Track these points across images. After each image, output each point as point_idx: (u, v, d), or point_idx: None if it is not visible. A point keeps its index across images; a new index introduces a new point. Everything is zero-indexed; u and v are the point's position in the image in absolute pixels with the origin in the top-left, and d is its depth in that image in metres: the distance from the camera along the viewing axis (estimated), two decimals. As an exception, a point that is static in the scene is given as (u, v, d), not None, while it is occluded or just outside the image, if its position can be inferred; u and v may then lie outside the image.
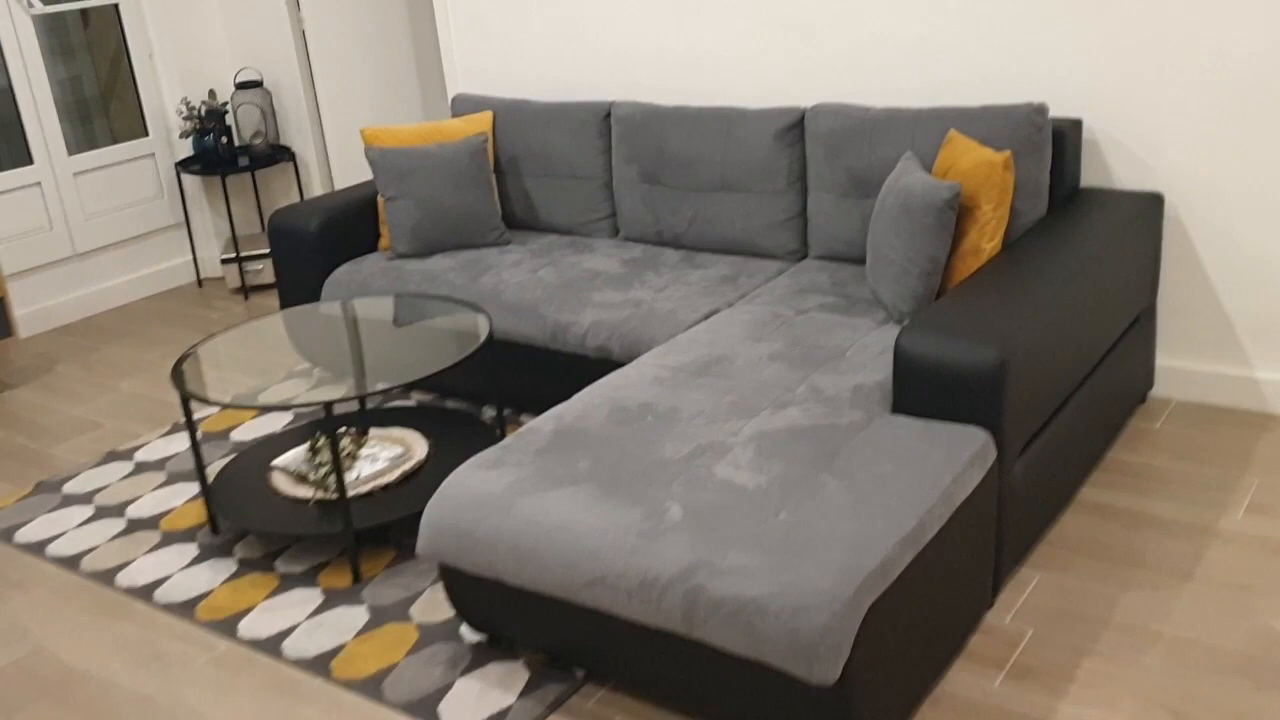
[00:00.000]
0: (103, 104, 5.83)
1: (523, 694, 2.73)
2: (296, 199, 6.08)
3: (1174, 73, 3.55)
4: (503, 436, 3.73)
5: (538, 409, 4.07)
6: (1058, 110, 3.77)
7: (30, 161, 5.48)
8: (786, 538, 2.31)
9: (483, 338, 3.50)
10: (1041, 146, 3.49)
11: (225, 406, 3.25)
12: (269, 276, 5.85)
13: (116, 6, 5.74)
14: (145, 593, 3.34)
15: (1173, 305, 3.80)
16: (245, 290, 5.82)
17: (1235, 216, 3.60)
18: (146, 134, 5.92)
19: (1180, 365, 3.85)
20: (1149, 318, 3.73)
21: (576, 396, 3.08)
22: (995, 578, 2.85)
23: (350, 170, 6.04)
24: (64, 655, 3.10)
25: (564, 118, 4.49)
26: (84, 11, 5.69)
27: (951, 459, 2.56)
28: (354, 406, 4.15)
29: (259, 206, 5.93)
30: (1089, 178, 3.80)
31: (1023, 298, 2.90)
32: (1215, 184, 3.60)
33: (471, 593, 2.76)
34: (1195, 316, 3.77)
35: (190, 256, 6.16)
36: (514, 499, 2.61)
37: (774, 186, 3.99)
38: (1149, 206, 3.59)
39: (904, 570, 2.33)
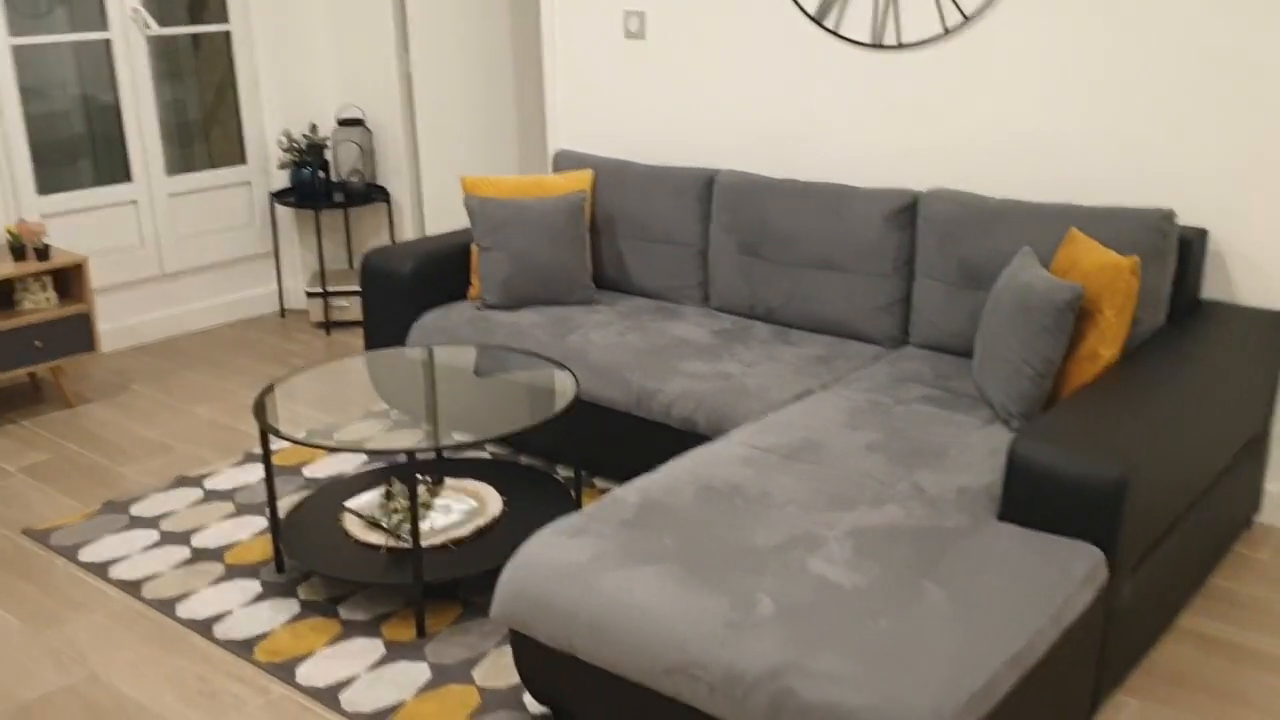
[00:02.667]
0: (204, 129, 5.87)
1: (585, 777, 2.61)
2: (387, 239, 6.07)
3: (1309, 189, 3.42)
4: (579, 500, 3.62)
5: (615, 474, 3.97)
6: (1184, 218, 3.64)
7: (129, 179, 5.52)
8: (885, 646, 2.18)
9: (569, 398, 3.41)
10: (1166, 254, 3.36)
11: (307, 445, 3.18)
12: (353, 313, 5.83)
13: (228, 34, 5.80)
14: (205, 626, 3.26)
15: (1288, 430, 3.64)
16: (328, 325, 5.80)
17: (1363, 344, 3.44)
18: (244, 162, 5.95)
19: (1291, 493, 3.67)
20: (1262, 440, 3.57)
21: (662, 469, 2.97)
22: (1093, 703, 2.69)
23: (443, 215, 6.03)
24: (119, 684, 3.02)
25: (665, 182, 4.43)
26: (196, 37, 5.75)
27: (1064, 577, 2.42)
28: (431, 455, 4.08)
29: (349, 243, 5.93)
30: (1210, 290, 3.65)
31: (1144, 412, 2.76)
32: (1344, 308, 3.45)
33: (541, 663, 2.65)
34: (1311, 444, 3.61)
35: (276, 287, 6.16)
36: (597, 572, 2.50)
37: (880, 269, 3.88)
38: (1272, 326, 3.44)
39: (1008, 692, 2.18)
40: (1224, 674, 2.98)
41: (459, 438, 3.22)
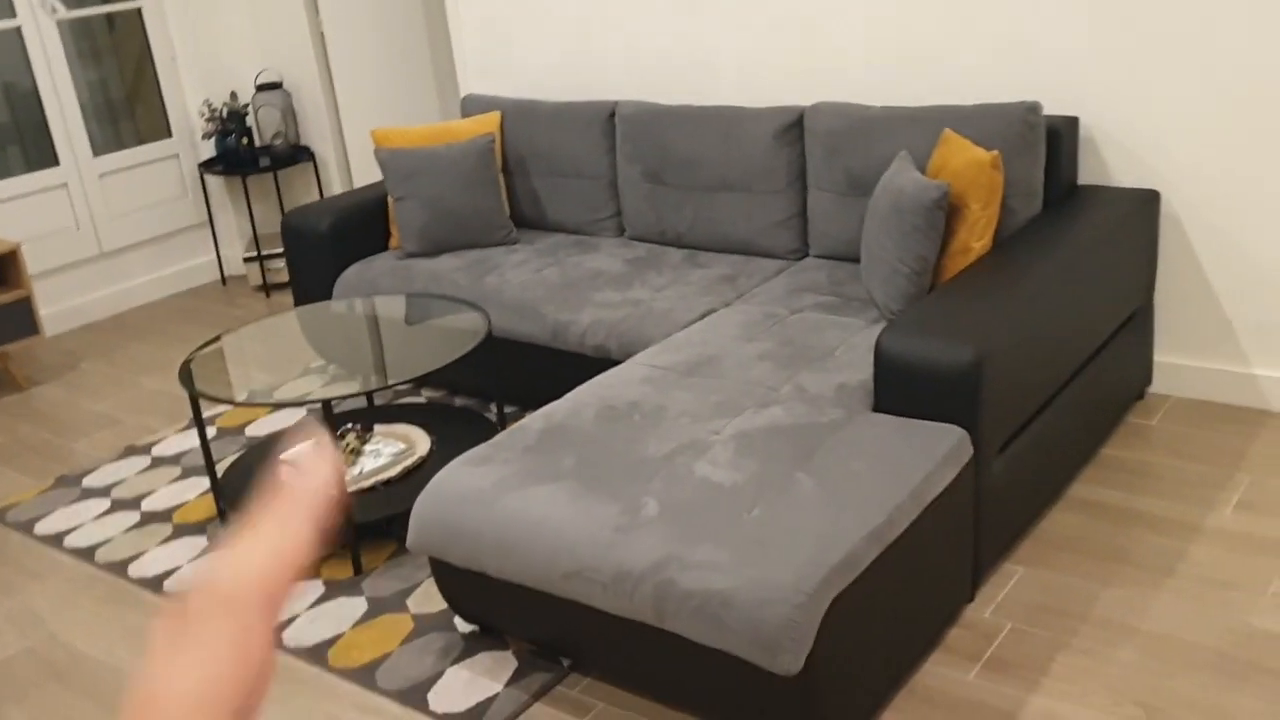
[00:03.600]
0: (129, 106, 5.96)
1: (510, 683, 2.81)
2: (317, 198, 6.18)
3: (1173, 70, 3.57)
4: (505, 432, 3.80)
5: (541, 406, 4.14)
6: (1055, 108, 3.80)
7: (56, 163, 5.62)
8: (756, 533, 2.37)
9: (479, 338, 3.57)
10: (1035, 145, 3.52)
11: (226, 402, 3.34)
12: (290, 274, 5.96)
13: (139, 11, 5.87)
14: (155, 583, 3.44)
15: (1171, 302, 3.82)
16: (267, 288, 5.93)
17: (1233, 214, 3.62)
18: (170, 135, 6.05)
19: (1178, 362, 3.86)
20: (1146, 314, 3.75)
21: (568, 395, 3.14)
22: (975, 573, 2.89)
23: (369, 169, 6.14)
24: (75, 642, 3.21)
25: (570, 118, 4.55)
26: (109, 15, 5.81)
27: (925, 457, 2.60)
28: (361, 403, 4.24)
29: (281, 206, 6.04)
30: (1086, 175, 3.82)
31: (1005, 296, 2.93)
32: (1213, 181, 3.61)
33: (460, 585, 2.84)
34: (1193, 313, 3.79)
35: (214, 255, 6.28)
36: (498, 495, 2.68)
37: (774, 186, 4.04)
38: (1145, 204, 3.61)
39: (871, 565, 2.38)
40: (1110, 537, 3.18)
41: (374, 384, 3.38)
